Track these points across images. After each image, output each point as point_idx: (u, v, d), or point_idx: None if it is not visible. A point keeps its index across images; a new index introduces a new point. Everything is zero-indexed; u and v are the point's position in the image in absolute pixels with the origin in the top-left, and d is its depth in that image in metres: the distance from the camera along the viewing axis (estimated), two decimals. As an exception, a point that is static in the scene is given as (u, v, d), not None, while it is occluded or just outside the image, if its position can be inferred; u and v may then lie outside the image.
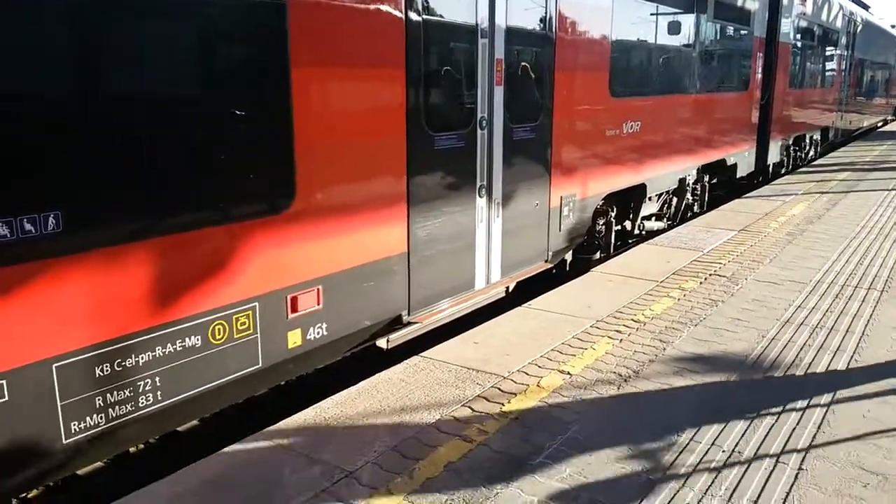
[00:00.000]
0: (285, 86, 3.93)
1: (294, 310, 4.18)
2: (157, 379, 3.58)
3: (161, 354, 3.55)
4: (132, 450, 4.45)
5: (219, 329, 3.81)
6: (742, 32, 11.30)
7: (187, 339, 3.67)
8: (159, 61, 3.43)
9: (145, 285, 3.43)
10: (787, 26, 13.00)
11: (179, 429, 4.61)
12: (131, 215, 3.36)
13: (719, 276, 6.65)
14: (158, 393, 3.61)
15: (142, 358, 3.47)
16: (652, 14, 8.39)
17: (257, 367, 4.07)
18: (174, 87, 3.55)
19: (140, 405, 3.53)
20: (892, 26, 32.32)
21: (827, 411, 3.99)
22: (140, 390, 3.50)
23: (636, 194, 8.38)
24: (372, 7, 4.40)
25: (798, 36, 14.03)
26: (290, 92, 3.95)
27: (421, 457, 3.51)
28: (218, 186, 3.72)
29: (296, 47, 3.94)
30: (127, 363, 3.42)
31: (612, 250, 8.06)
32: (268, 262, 3.98)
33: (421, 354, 4.75)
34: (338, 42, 4.23)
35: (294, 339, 4.25)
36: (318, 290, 4.30)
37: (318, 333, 4.38)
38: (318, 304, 4.33)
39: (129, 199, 3.34)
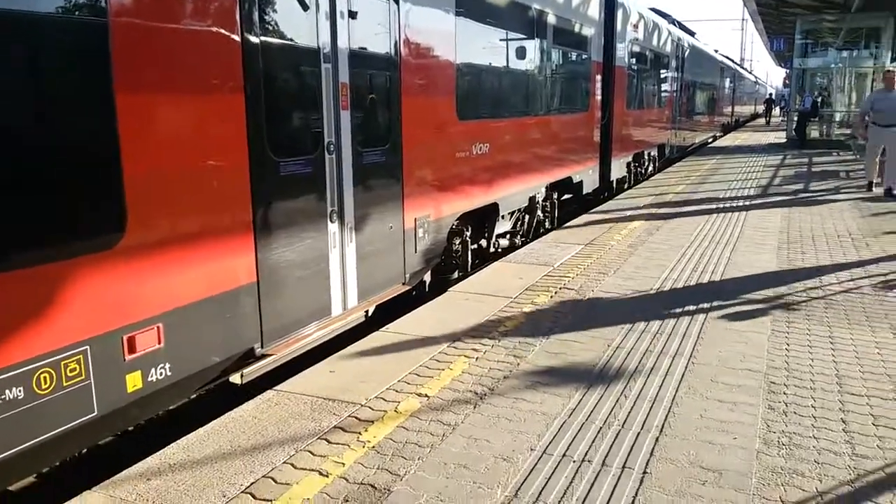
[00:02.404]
0: (110, 112, 3.68)
1: (132, 351, 3.91)
2: (-26, 438, 3.24)
3: (-25, 411, 3.21)
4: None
5: (45, 378, 3.50)
6: (581, 57, 11.94)
7: (7, 392, 3.34)
8: None
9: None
10: (621, 51, 13.89)
11: (11, 488, 4.21)
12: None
13: (568, 289, 6.92)
14: (-24, 453, 3.26)
15: (-51, 417, 3.12)
16: (495, 39, 8.69)
17: (93, 415, 3.77)
18: None
19: (-46, 469, 3.17)
20: (716, 51, 35.37)
21: (668, 413, 4.21)
22: (-48, 453, 3.15)
23: (489, 213, 8.60)
24: (203, 28, 4.24)
25: (633, 60, 15.02)
26: (116, 119, 3.71)
27: (274, 497, 3.37)
28: (35, 223, 3.43)
29: (120, 70, 3.71)
30: (-68, 424, 3.06)
31: (469, 269, 8.21)
32: (99, 301, 3.71)
33: (274, 388, 4.59)
34: (168, 65, 4.03)
35: (134, 381, 3.98)
36: (158, 327, 4.06)
37: (160, 374, 4.12)
38: (160, 343, 4.08)
39: None
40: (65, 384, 3.61)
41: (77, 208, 3.64)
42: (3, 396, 3.34)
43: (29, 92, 3.46)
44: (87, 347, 3.69)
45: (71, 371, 3.63)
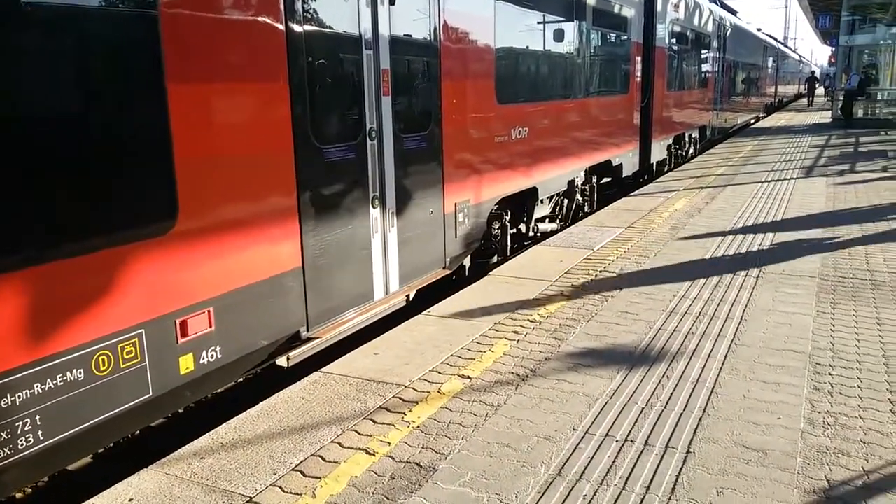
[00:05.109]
0: (161, 103, 3.80)
1: (184, 334, 4.05)
2: (37, 418, 3.39)
3: (38, 392, 3.36)
4: (18, 495, 4.20)
5: (103, 360, 3.64)
6: (621, 38, 11.82)
7: (68, 373, 3.49)
8: (20, 77, 3.24)
9: (13, 320, 3.23)
10: (661, 31, 13.70)
11: (70, 468, 4.39)
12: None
13: (608, 272, 6.91)
14: (40, 433, 3.41)
15: (16, 397, 3.27)
16: (534, 22, 8.65)
17: (148, 396, 3.92)
18: (41, 105, 3.36)
19: (19, 447, 3.33)
20: (758, 30, 34.57)
21: (711, 394, 4.21)
22: (17, 432, 3.30)
23: (529, 197, 8.61)
24: (249, 18, 4.33)
25: (673, 41, 14.80)
26: (168, 109, 3.82)
27: (323, 475, 3.47)
28: (91, 211, 3.55)
29: (171, 61, 3.82)
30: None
31: (508, 253, 8.24)
32: (152, 286, 3.84)
33: (320, 370, 4.70)
34: (217, 55, 4.13)
35: (186, 364, 4.11)
36: (208, 311, 4.18)
37: (211, 357, 4.26)
38: (210, 327, 4.21)
39: None
40: (122, 366, 3.75)
41: (132, 196, 3.76)
42: (63, 378, 3.48)
43: (82, 83, 3.57)
44: (143, 331, 3.83)
45: (127, 354, 3.78)
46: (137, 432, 4.53)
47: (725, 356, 4.77)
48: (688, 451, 3.59)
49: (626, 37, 11.89)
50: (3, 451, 3.25)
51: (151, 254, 3.83)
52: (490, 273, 7.07)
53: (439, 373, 4.62)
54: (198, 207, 4.07)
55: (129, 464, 3.96)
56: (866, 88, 26.04)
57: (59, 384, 3.46)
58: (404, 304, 6.35)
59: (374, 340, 5.23)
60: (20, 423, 3.31)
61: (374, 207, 5.60)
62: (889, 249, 7.57)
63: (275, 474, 3.48)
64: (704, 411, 4.01)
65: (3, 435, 3.24)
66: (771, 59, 37.01)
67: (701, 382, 4.38)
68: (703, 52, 18.46)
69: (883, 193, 11.12)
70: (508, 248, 8.27)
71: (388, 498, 3.26)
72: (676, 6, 14.74)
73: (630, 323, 5.45)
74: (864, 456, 3.52)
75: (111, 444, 4.38)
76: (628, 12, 11.72)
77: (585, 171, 10.48)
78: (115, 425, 3.84)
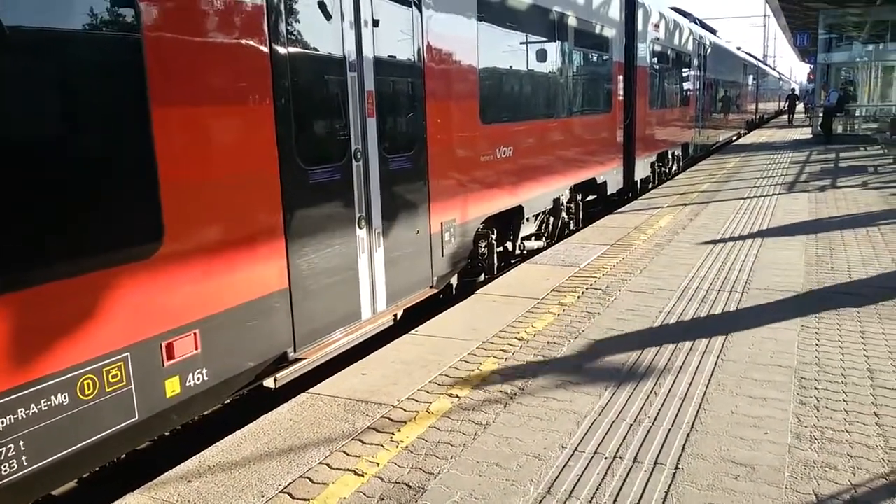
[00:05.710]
0: (146, 126, 3.80)
1: (170, 357, 4.02)
2: (21, 443, 3.35)
3: (23, 417, 3.32)
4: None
5: (88, 384, 3.61)
6: (603, 58, 11.95)
7: (53, 398, 3.46)
8: (1, 101, 3.23)
9: (-2, 344, 3.21)
10: (643, 51, 13.88)
11: (54, 493, 4.33)
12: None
13: (595, 289, 6.94)
14: (24, 458, 3.37)
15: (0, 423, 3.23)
16: (516, 43, 8.74)
17: (134, 420, 3.88)
18: (23, 129, 3.35)
19: (2, 473, 3.28)
20: (738, 48, 35.09)
21: (699, 410, 4.23)
22: (1, 458, 3.26)
23: (514, 216, 8.65)
24: (233, 41, 4.34)
25: (654, 60, 14.98)
26: (152, 132, 3.82)
27: (311, 497, 3.44)
28: (75, 235, 3.54)
29: (155, 84, 3.83)
30: (-18, 430, 3.18)
31: (495, 271, 8.26)
32: (137, 308, 3.82)
33: (308, 391, 4.67)
34: (201, 77, 4.14)
35: (172, 387, 4.08)
36: (194, 334, 4.16)
37: (198, 379, 4.23)
38: (196, 349, 4.18)
39: None
40: (107, 390, 3.72)
41: (116, 220, 3.75)
42: (48, 402, 3.45)
43: (65, 107, 3.57)
44: (128, 354, 3.80)
45: (113, 377, 3.75)
46: (123, 456, 4.48)
47: (712, 371, 4.79)
48: (676, 468, 3.59)
49: (607, 56, 12.02)
50: (-14, 479, 3.21)
51: (137, 276, 3.82)
52: (477, 292, 7.09)
53: (427, 392, 4.61)
54: (183, 230, 4.06)
55: (116, 488, 3.91)
56: (845, 105, 26.41)
57: (43, 409, 3.42)
58: (392, 323, 6.35)
59: (362, 360, 5.22)
60: (3, 448, 3.27)
61: (360, 228, 5.60)
62: (871, 263, 7.65)
63: (263, 497, 3.45)
64: (692, 427, 4.02)
65: (-14, 462, 3.20)
66: (751, 76, 37.51)
67: (689, 398, 4.39)
68: (684, 70, 18.70)
69: (863, 208, 11.26)
70: (495, 266, 8.29)
71: (377, 519, 3.24)
72: (657, 26, 14.94)
73: (617, 339, 5.47)
74: (851, 470, 3.54)
75: (97, 469, 4.32)
76: (609, 32, 11.86)
77: (571, 188, 10.55)
78: (100, 449, 3.80)
